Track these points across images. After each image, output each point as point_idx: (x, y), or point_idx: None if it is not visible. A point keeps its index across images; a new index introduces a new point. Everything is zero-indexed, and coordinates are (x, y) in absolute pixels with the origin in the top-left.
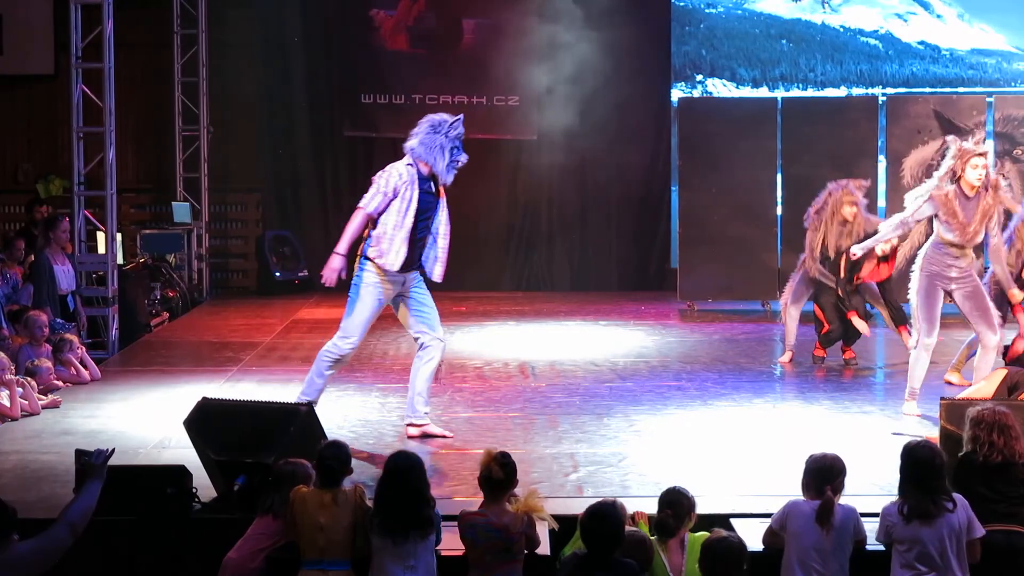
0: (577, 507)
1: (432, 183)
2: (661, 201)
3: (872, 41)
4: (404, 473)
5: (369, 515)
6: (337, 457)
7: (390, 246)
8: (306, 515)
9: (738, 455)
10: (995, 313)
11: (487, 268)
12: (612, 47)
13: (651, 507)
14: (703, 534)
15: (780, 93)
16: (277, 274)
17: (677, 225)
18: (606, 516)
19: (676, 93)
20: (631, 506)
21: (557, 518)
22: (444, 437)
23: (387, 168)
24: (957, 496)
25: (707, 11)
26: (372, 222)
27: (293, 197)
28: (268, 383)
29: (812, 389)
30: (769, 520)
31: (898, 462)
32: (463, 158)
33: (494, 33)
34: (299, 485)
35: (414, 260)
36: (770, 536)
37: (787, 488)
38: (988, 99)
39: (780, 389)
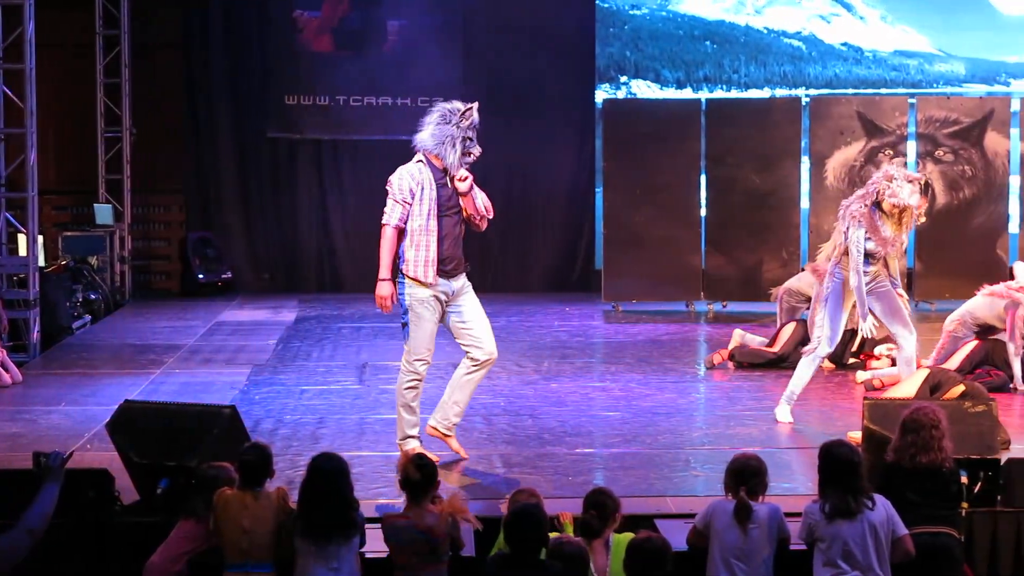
0: (501, 508)
1: (447, 176)
2: (585, 202)
3: (795, 43)
4: (327, 475)
5: (292, 517)
6: (259, 459)
7: (417, 254)
8: (229, 518)
9: (662, 456)
10: (908, 312)
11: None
12: (536, 48)
13: (576, 508)
14: (628, 535)
15: (704, 94)
16: (200, 276)
17: (602, 226)
18: (528, 517)
19: (600, 94)
20: (556, 507)
21: (481, 519)
22: (459, 455)
23: (396, 173)
24: (878, 496)
25: (631, 13)
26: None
27: (217, 199)
28: (191, 385)
29: (736, 390)
30: (693, 520)
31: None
32: (476, 150)
33: (419, 34)
34: (222, 488)
35: (451, 263)
36: (694, 536)
37: (711, 488)
38: (910, 100)
39: (704, 390)
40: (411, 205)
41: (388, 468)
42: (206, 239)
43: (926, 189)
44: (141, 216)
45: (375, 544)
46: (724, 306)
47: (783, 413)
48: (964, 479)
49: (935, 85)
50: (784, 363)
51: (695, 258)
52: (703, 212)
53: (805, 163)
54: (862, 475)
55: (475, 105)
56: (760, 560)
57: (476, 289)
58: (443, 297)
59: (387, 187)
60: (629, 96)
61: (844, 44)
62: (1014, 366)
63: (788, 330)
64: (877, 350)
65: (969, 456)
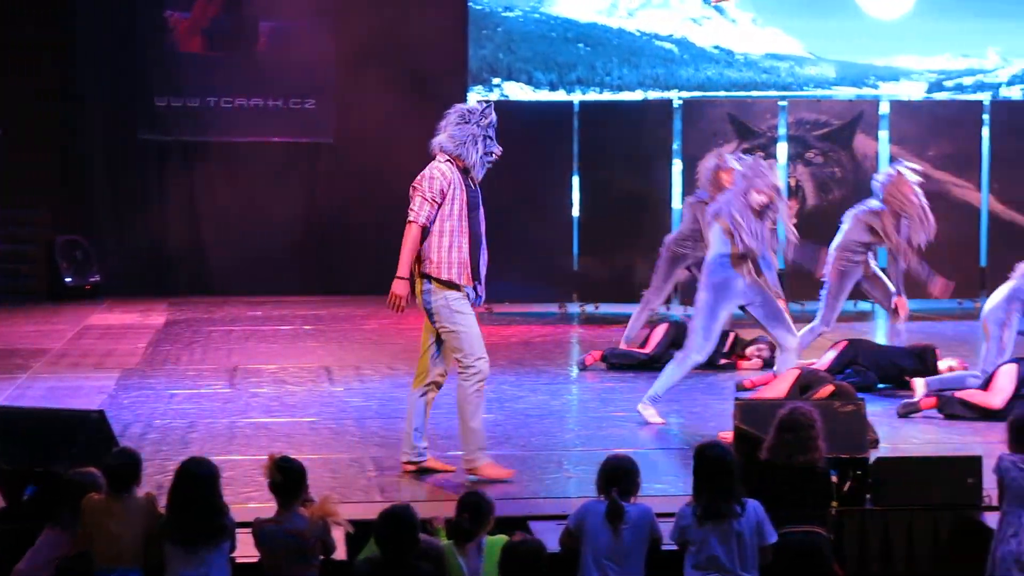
0: (373, 511)
1: (469, 177)
2: None
3: (667, 45)
4: (196, 480)
5: (161, 522)
6: (126, 464)
7: (450, 256)
8: (97, 523)
9: (535, 457)
10: (786, 314)
11: (285, 272)
12: (408, 50)
13: (449, 511)
14: (501, 537)
15: (577, 97)
16: (68, 280)
17: None
18: (400, 520)
19: (473, 96)
20: (428, 510)
21: (353, 522)
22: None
23: (427, 171)
24: (750, 501)
25: (504, 15)
26: (423, 234)
27: (86, 201)
28: (59, 390)
29: (609, 392)
30: (566, 521)
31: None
32: (497, 150)
33: (291, 35)
34: (90, 493)
35: (477, 268)
36: (567, 537)
37: (583, 489)
38: (781, 103)
39: (577, 391)
40: (440, 205)
41: (259, 472)
42: (75, 242)
43: (796, 191)
44: (8, 219)
45: (246, 549)
46: (596, 308)
47: (650, 414)
48: (834, 478)
49: (805, 88)
50: (656, 364)
51: (567, 260)
52: (575, 214)
53: (677, 165)
54: (735, 477)
55: (492, 104)
56: (632, 561)
57: (344, 291)
58: (471, 299)
59: (416, 184)
60: (502, 98)
61: (716, 47)
62: (893, 279)
63: (660, 331)
64: (748, 351)
65: (839, 455)
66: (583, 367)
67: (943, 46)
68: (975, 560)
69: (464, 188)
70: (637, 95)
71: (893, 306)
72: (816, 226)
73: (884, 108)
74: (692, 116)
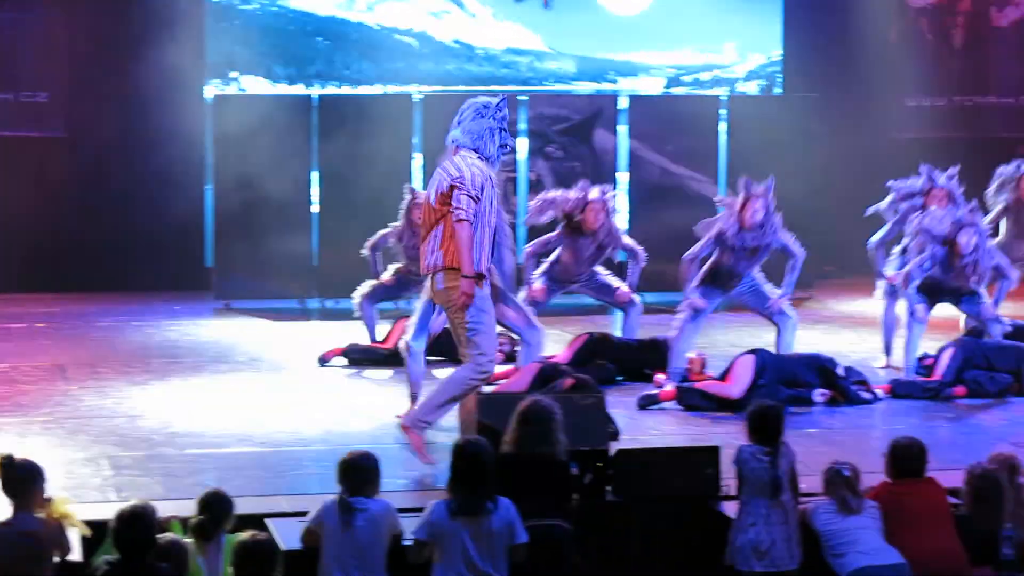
0: (109, 511)
1: None
2: (196, 199)
3: (407, 39)
4: None
5: None
6: None
7: (480, 251)
8: None
9: (275, 455)
10: (527, 308)
11: (15, 268)
12: (144, 43)
13: (188, 510)
14: (241, 535)
15: (316, 90)
16: None
17: (212, 223)
18: (137, 520)
19: (211, 90)
20: (167, 509)
21: (89, 523)
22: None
23: (466, 167)
24: (503, 499)
25: (241, 8)
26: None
27: None
28: None
29: (350, 387)
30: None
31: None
32: (512, 142)
33: (22, 27)
34: None
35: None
36: (307, 535)
37: (324, 486)
38: (522, 98)
39: (318, 387)
40: (479, 201)
41: None
42: None
43: (537, 185)
44: None
45: None
46: (336, 303)
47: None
48: (575, 471)
49: (545, 83)
50: (397, 360)
51: (307, 255)
52: (316, 208)
53: (418, 160)
54: (490, 475)
55: (505, 98)
56: (372, 557)
57: (85, 288)
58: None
59: (456, 181)
60: (240, 92)
61: (456, 41)
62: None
63: (400, 327)
64: None
65: (579, 448)
66: (324, 362)
67: (681, 41)
68: (715, 549)
69: (493, 184)
70: (377, 89)
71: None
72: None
73: (623, 103)
74: (433, 111)
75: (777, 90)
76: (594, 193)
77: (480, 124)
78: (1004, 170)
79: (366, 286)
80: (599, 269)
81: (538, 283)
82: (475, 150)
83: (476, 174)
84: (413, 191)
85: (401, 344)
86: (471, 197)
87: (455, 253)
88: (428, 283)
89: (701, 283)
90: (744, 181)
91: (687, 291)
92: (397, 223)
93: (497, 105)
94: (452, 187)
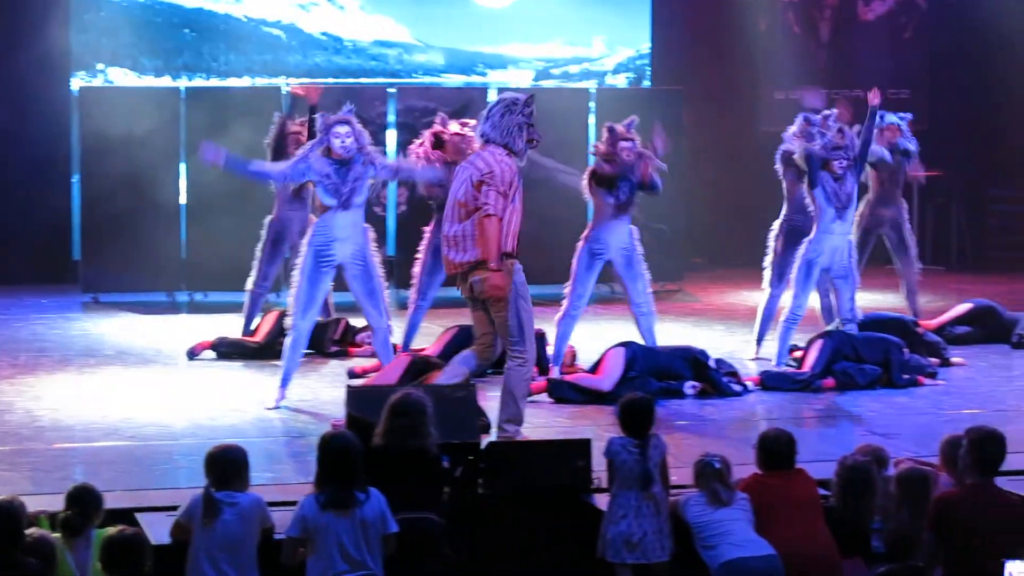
0: None
1: None
2: (63, 192)
3: (275, 31)
4: None
5: None
6: None
7: (514, 241)
8: None
9: (144, 449)
10: (384, 295)
11: None
12: (10, 35)
13: (56, 505)
14: (110, 530)
15: (184, 83)
16: None
17: (80, 216)
18: (4, 515)
19: (77, 82)
20: (34, 505)
21: None
22: None
23: (496, 164)
24: (373, 489)
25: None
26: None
27: None
28: None
29: (220, 381)
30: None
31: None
32: (538, 137)
33: None
34: None
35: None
36: (177, 529)
37: (194, 480)
38: (390, 90)
39: (187, 381)
40: (507, 196)
41: None
42: None
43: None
44: None
45: None
46: (205, 296)
47: (274, 399)
48: (446, 464)
49: (414, 75)
50: (267, 353)
51: (176, 248)
52: (183, 201)
53: None
54: (358, 467)
55: (533, 95)
56: (243, 551)
57: None
58: None
59: (486, 177)
60: (107, 84)
61: (324, 34)
62: None
63: (269, 320)
64: (359, 337)
65: (451, 441)
66: (192, 356)
67: (550, 34)
68: (587, 542)
69: (520, 178)
70: (245, 81)
71: None
72: (426, 208)
73: (492, 96)
74: (301, 102)
75: (646, 83)
76: None
77: (509, 120)
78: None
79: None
80: None
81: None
82: (504, 145)
83: (505, 170)
84: (283, 117)
85: (288, 322)
86: (500, 193)
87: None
88: (463, 279)
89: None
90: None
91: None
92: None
93: (525, 102)
94: (481, 182)
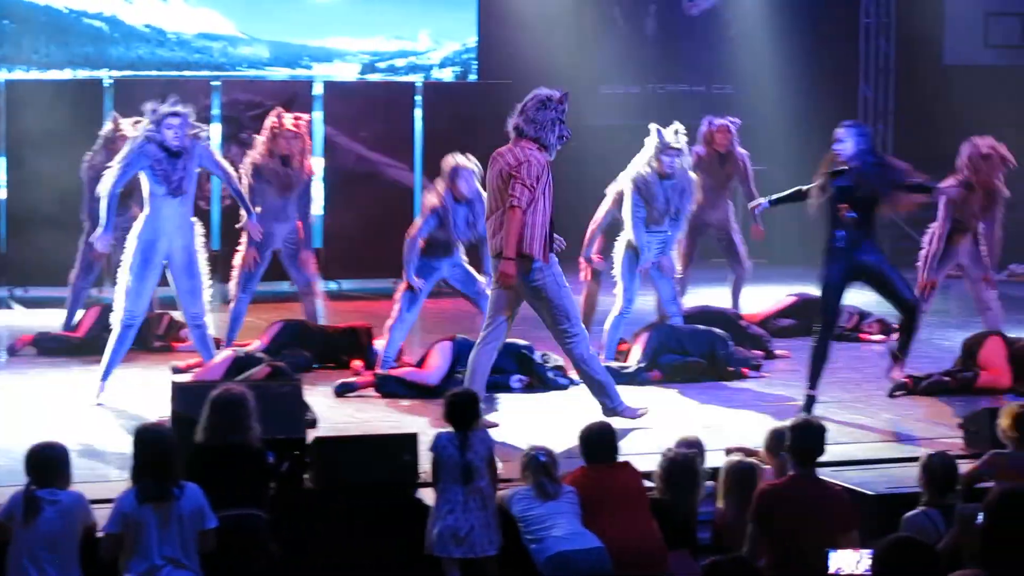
0: None
1: None
2: None
3: (97, 23)
4: None
5: None
6: None
7: (533, 232)
8: None
9: None
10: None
11: None
12: None
13: None
14: None
15: (4, 75)
16: None
17: None
18: None
19: None
20: None
21: None
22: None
23: (521, 159)
24: (189, 484)
25: None
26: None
27: None
28: None
29: (41, 377)
30: None
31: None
32: (569, 133)
33: None
34: None
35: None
36: None
37: (14, 479)
38: (214, 83)
39: (8, 377)
40: (535, 189)
41: None
42: None
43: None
44: None
45: None
46: (26, 291)
47: (98, 396)
48: (272, 459)
49: (239, 68)
50: (89, 348)
51: None
52: (3, 195)
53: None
54: (174, 462)
55: (567, 93)
56: (65, 549)
57: None
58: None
59: (515, 172)
60: None
61: (147, 26)
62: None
63: (92, 315)
64: (182, 333)
65: (276, 436)
66: (13, 352)
67: (376, 28)
68: (414, 537)
69: (550, 171)
70: (67, 74)
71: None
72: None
73: (318, 89)
74: (124, 95)
75: (472, 77)
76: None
77: (544, 115)
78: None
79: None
80: None
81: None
82: (535, 139)
83: (534, 164)
84: (116, 119)
85: (113, 317)
86: (526, 187)
87: (522, 239)
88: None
89: (419, 259)
90: (454, 155)
91: (408, 273)
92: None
93: (559, 99)
94: (511, 175)
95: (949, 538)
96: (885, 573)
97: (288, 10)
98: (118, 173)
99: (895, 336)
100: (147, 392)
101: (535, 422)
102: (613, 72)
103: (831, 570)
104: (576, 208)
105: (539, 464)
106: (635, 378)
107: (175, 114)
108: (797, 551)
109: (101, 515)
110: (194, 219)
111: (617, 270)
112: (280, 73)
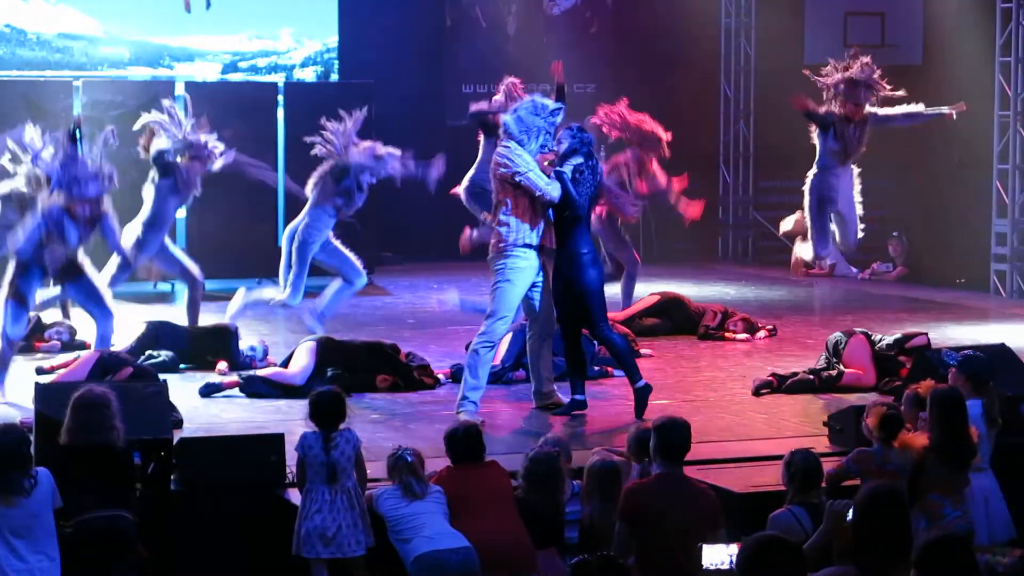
0: None
1: None
2: None
3: None
4: None
5: None
6: None
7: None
8: None
9: None
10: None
11: None
12: None
13: None
14: None
15: None
16: None
17: None
18: None
19: None
20: None
21: None
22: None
23: (499, 159)
24: (41, 469)
25: None
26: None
27: None
28: None
29: None
30: None
31: None
32: (552, 145)
33: None
34: None
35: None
36: None
37: None
38: (75, 83)
39: None
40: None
41: None
42: None
43: None
44: None
45: None
46: None
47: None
48: (138, 460)
49: (100, 68)
50: None
51: None
52: None
53: None
54: (25, 452)
55: (563, 107)
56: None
57: None
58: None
59: (517, 169)
60: None
61: (7, 26)
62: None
63: None
64: (47, 333)
65: (142, 437)
66: None
67: (237, 27)
68: (282, 537)
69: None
70: None
71: None
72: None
73: (179, 89)
74: None
75: (334, 76)
76: None
77: (532, 120)
78: None
79: None
80: None
81: None
82: (519, 143)
83: (527, 159)
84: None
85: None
86: (504, 181)
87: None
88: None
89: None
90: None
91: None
92: None
93: (552, 111)
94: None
95: (819, 534)
96: (750, 572)
97: (149, 9)
98: None
99: (760, 335)
100: (9, 394)
101: (402, 421)
102: (474, 71)
103: (704, 564)
104: (443, 205)
105: (406, 463)
106: (501, 377)
107: None
108: (664, 548)
109: None
110: None
111: None
112: (141, 73)
